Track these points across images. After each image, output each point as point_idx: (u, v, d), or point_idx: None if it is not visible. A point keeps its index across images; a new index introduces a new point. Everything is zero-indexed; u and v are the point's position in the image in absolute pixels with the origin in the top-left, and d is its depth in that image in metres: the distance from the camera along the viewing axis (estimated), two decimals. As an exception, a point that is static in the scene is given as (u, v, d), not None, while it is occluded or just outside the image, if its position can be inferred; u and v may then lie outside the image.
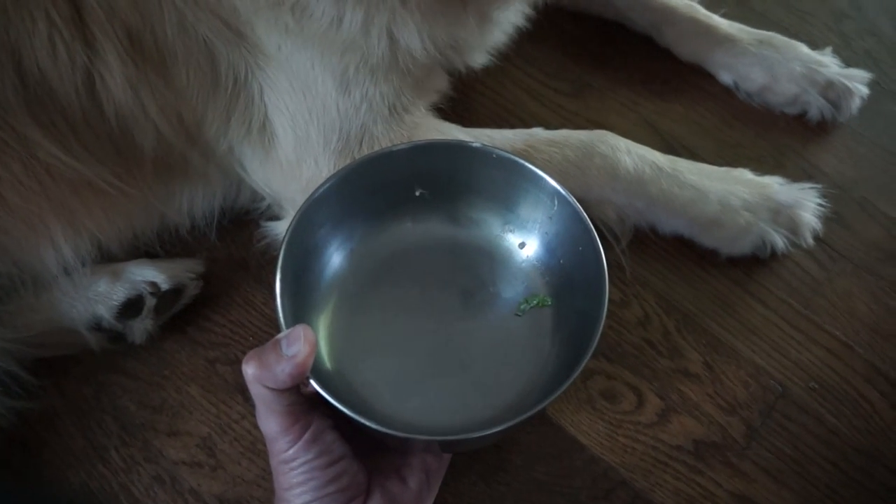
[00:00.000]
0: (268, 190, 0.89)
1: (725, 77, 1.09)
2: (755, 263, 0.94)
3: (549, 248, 0.75)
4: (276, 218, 0.92)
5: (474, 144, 0.75)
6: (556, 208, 0.73)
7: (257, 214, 0.94)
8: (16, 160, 0.77)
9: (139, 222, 0.90)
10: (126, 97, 0.78)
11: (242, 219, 0.96)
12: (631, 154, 0.89)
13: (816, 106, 1.05)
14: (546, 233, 0.75)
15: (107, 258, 0.89)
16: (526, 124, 1.00)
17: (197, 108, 0.82)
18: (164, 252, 0.94)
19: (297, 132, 0.84)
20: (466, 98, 1.04)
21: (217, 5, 0.76)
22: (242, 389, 0.85)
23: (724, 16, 1.11)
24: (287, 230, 0.69)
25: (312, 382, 0.62)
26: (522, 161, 0.73)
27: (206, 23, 0.77)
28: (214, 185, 0.92)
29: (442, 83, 0.93)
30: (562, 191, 0.72)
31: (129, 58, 0.76)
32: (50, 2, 0.73)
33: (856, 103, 1.05)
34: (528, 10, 0.96)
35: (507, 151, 0.74)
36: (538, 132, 0.90)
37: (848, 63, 1.09)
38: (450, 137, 0.87)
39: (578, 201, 0.72)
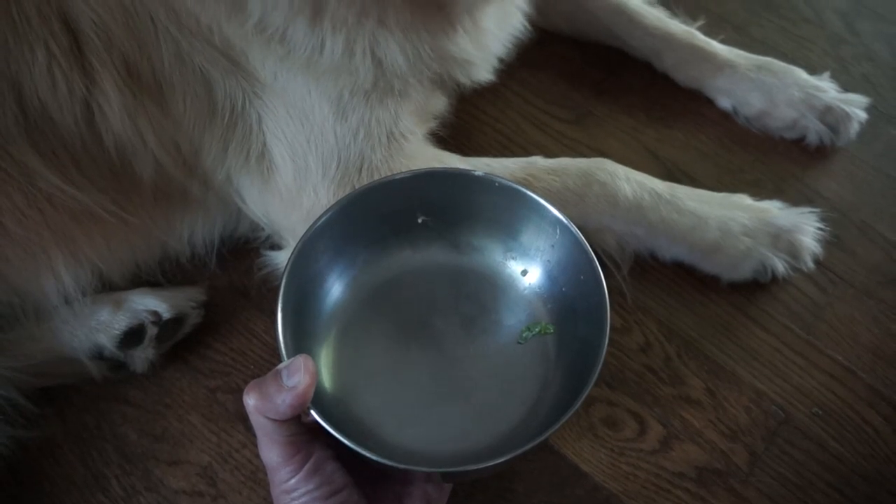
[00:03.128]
0: (266, 220, 0.89)
1: (724, 102, 1.09)
2: (756, 288, 0.94)
3: (552, 276, 0.75)
4: (277, 247, 0.92)
5: (476, 173, 0.75)
6: (557, 236, 0.73)
7: (258, 243, 0.94)
8: (17, 190, 0.78)
9: (140, 251, 0.91)
10: (124, 127, 0.79)
11: (243, 247, 0.96)
12: (630, 181, 0.89)
13: (815, 130, 1.06)
14: (548, 261, 0.75)
15: (108, 287, 0.89)
16: (527, 152, 1.01)
17: (194, 137, 0.83)
18: (165, 280, 0.94)
19: (296, 161, 0.84)
20: (466, 125, 1.04)
21: (211, 35, 0.77)
22: (243, 418, 0.85)
23: (722, 41, 1.12)
24: (288, 261, 0.69)
25: (313, 413, 0.62)
26: (524, 189, 0.74)
27: (202, 52, 0.78)
28: (214, 214, 0.92)
29: (440, 107, 0.93)
30: (563, 219, 0.72)
31: (126, 88, 0.77)
32: (49, 33, 0.74)
33: (854, 128, 1.05)
34: (525, 11, 0.96)
35: (508, 180, 0.75)
36: (537, 160, 0.91)
37: (846, 88, 1.10)
38: (449, 165, 0.87)
39: (578, 229, 0.72)
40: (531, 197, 0.74)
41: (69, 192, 0.80)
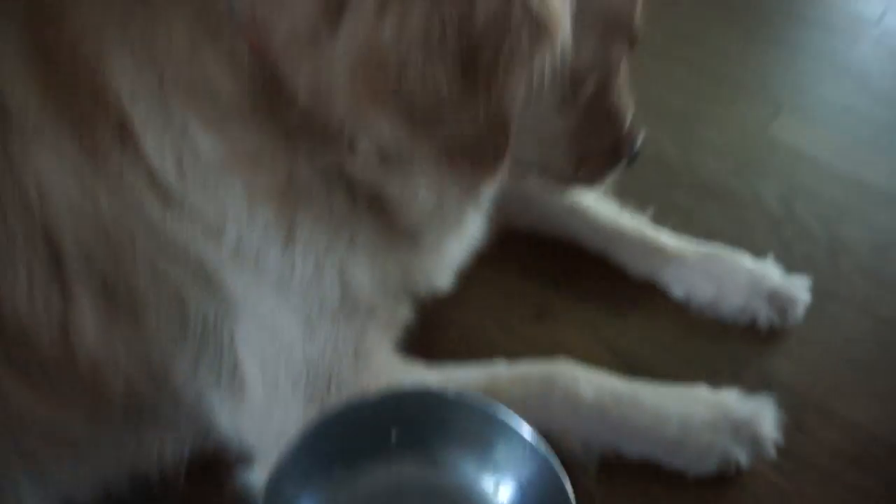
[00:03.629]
0: (238, 438, 0.90)
1: (677, 291, 1.15)
2: (723, 481, 0.95)
3: (524, 492, 0.76)
4: (249, 460, 0.92)
5: (447, 394, 0.78)
6: (528, 455, 0.75)
7: (229, 457, 0.95)
8: None
9: (109, 471, 0.91)
10: (98, 343, 0.81)
11: (214, 462, 0.96)
12: (591, 383, 0.92)
13: (764, 314, 1.11)
14: (520, 478, 0.77)
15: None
16: (490, 350, 1.03)
17: (166, 354, 0.84)
18: (133, 497, 0.93)
19: (267, 378, 0.86)
20: (430, 327, 1.07)
21: (187, 255, 0.81)
22: None
23: (671, 229, 1.19)
24: (264, 487, 0.70)
25: None
26: (494, 409, 0.77)
27: (177, 272, 0.81)
28: (184, 431, 0.93)
29: (405, 317, 0.97)
30: (533, 440, 0.75)
31: (102, 306, 0.80)
32: (32, 251, 0.77)
33: (800, 310, 1.11)
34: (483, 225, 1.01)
35: (479, 398, 0.78)
36: (499, 369, 0.94)
37: (789, 268, 1.16)
38: (417, 379, 0.90)
39: (543, 433, 0.75)
40: (501, 417, 0.76)
41: (40, 407, 0.81)
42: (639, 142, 0.94)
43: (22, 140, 0.75)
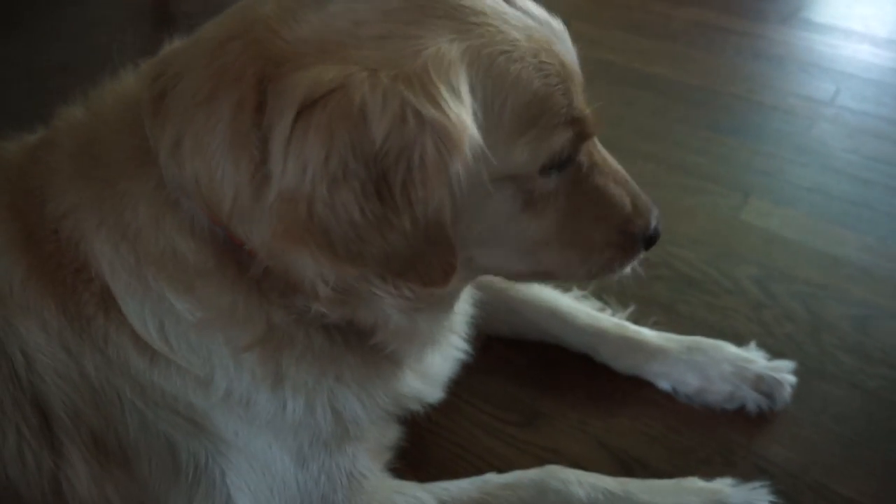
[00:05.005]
0: None
1: (664, 384, 1.17)
2: (724, 572, 0.95)
3: None
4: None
5: None
6: None
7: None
8: None
9: None
10: (91, 495, 0.83)
11: None
12: (583, 485, 0.94)
13: (752, 400, 1.13)
14: None
15: None
16: (482, 460, 1.06)
17: (160, 497, 0.86)
18: None
19: None
20: (422, 440, 1.09)
21: (175, 403, 0.84)
22: None
23: (654, 324, 1.22)
24: None
25: None
26: None
27: (166, 419, 0.84)
28: None
29: (395, 437, 0.99)
30: None
31: (93, 458, 0.82)
32: (21, 417, 0.80)
33: (787, 391, 1.13)
34: (466, 335, 1.03)
35: None
36: (491, 478, 0.96)
37: (772, 350, 1.19)
38: (410, 499, 0.91)
39: None
40: None
41: None
42: (653, 220, 0.89)
43: (5, 314, 0.80)
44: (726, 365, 1.14)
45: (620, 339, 1.19)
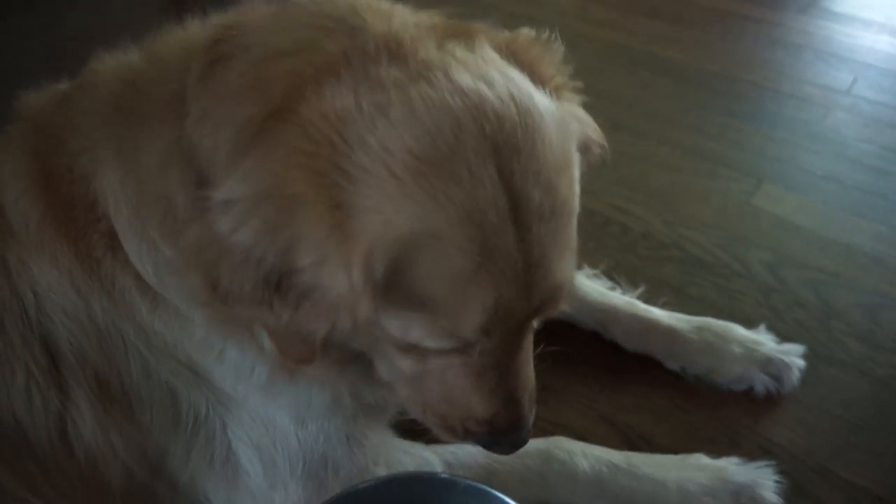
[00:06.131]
0: None
1: (672, 364, 1.17)
2: (727, 548, 0.96)
3: None
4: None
5: (441, 475, 0.80)
6: None
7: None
8: None
9: None
10: (95, 437, 0.83)
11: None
12: (587, 456, 0.94)
13: (760, 382, 1.13)
14: None
15: None
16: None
17: (160, 443, 0.87)
18: None
19: (264, 461, 0.88)
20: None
21: (176, 351, 0.83)
22: None
23: (664, 304, 1.22)
24: None
25: None
26: (488, 489, 0.78)
27: (168, 367, 0.84)
28: None
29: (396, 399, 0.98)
30: None
31: (98, 401, 0.83)
32: (29, 355, 0.81)
33: (795, 375, 1.13)
34: None
35: (472, 478, 0.79)
36: (498, 446, 0.96)
37: (782, 336, 1.18)
38: (415, 457, 0.92)
39: None
40: (495, 495, 0.78)
41: None
42: (524, 431, 0.79)
43: (20, 253, 0.80)
44: (736, 346, 1.15)
45: (631, 317, 1.19)
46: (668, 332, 1.17)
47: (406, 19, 0.72)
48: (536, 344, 1.21)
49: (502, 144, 0.63)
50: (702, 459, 0.99)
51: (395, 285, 0.63)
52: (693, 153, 1.64)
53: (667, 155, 1.64)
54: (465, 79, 0.65)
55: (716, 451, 1.02)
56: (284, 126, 0.64)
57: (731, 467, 0.98)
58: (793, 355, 1.14)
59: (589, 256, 1.32)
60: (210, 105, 0.70)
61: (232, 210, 0.62)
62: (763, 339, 1.16)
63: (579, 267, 1.26)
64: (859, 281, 1.34)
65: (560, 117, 0.69)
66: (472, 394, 0.74)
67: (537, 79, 0.71)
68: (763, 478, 0.98)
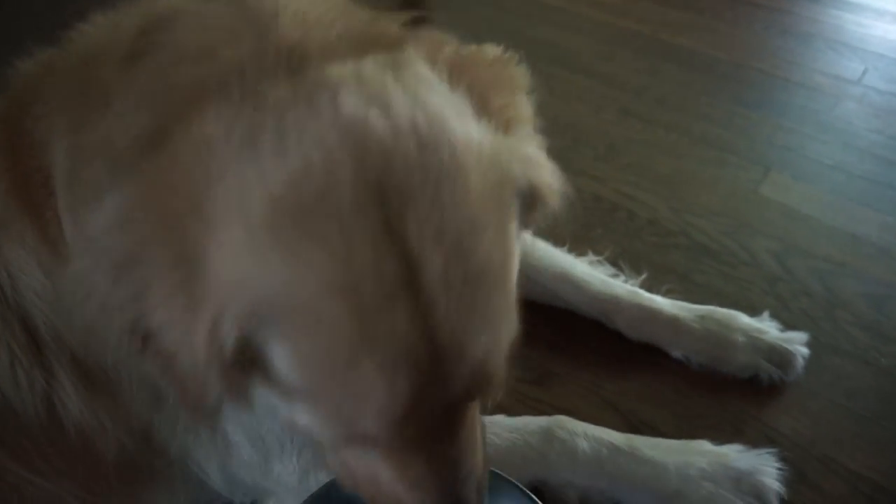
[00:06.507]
0: (232, 492, 0.91)
1: (676, 353, 1.17)
2: (728, 533, 0.96)
3: None
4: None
5: None
6: None
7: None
8: None
9: None
10: (83, 415, 0.82)
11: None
12: (588, 437, 0.94)
13: (764, 370, 1.13)
14: None
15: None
16: (491, 413, 1.06)
17: (144, 419, 0.84)
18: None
19: (251, 436, 0.86)
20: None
21: None
22: None
23: (667, 292, 1.21)
24: None
25: None
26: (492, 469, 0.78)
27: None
28: (178, 488, 0.93)
29: None
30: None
31: (80, 382, 0.81)
32: (11, 335, 0.78)
33: (799, 363, 1.13)
34: None
35: None
36: (499, 420, 0.96)
37: (787, 324, 1.18)
38: None
39: (541, 486, 0.76)
40: (496, 473, 0.78)
41: (35, 481, 0.82)
42: None
43: None
44: (739, 335, 1.14)
45: (634, 307, 1.18)
46: (672, 322, 1.17)
47: (336, 24, 0.61)
48: (535, 329, 1.21)
49: (391, 192, 0.49)
50: (704, 445, 0.99)
51: (260, 363, 0.54)
52: (701, 140, 1.63)
53: (675, 142, 1.63)
54: (350, 104, 0.52)
55: (719, 438, 1.01)
56: (157, 153, 0.54)
57: (732, 454, 0.98)
58: (797, 343, 1.14)
59: (595, 242, 1.32)
60: (110, 114, 0.63)
61: (90, 248, 0.56)
62: (767, 328, 1.16)
63: (582, 253, 1.26)
64: (865, 271, 1.34)
65: (491, 157, 0.55)
66: (397, 484, 0.62)
67: (482, 108, 0.57)
68: (765, 465, 0.98)
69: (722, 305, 1.19)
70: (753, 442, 1.02)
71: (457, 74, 0.58)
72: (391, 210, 0.49)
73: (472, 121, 0.56)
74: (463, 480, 0.63)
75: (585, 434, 0.95)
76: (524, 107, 0.63)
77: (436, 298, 0.50)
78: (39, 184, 0.73)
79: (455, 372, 0.53)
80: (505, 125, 0.58)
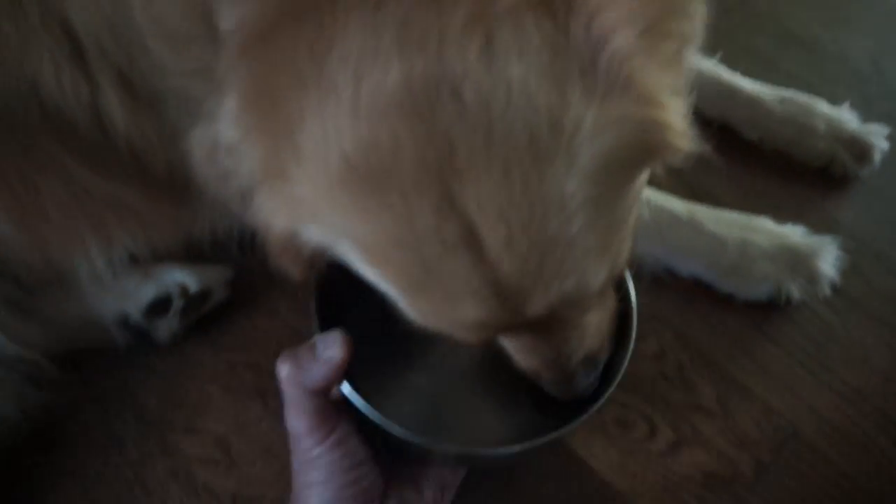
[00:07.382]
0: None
1: (751, 134, 1.12)
2: (772, 308, 0.95)
3: None
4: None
5: None
6: None
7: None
8: (55, 179, 0.79)
9: (167, 237, 0.92)
10: (129, 129, 0.79)
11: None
12: (650, 204, 0.92)
13: (839, 160, 1.08)
14: None
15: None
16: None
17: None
18: (192, 259, 0.95)
19: None
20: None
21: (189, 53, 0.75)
22: (262, 394, 0.87)
23: (745, 72, 1.14)
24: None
25: (344, 386, 0.62)
26: None
27: (183, 68, 0.76)
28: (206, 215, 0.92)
29: None
30: None
31: (126, 95, 0.77)
32: (54, 41, 0.74)
33: (877, 157, 1.08)
34: None
35: None
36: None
37: (867, 121, 1.12)
38: None
39: None
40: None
41: (100, 183, 0.82)
42: (573, 387, 0.67)
43: None
44: (819, 121, 1.09)
45: (714, 82, 1.12)
46: (750, 101, 1.11)
47: None
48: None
49: (451, 172, 0.47)
50: (767, 223, 0.97)
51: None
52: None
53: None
54: (455, 63, 0.45)
55: (780, 218, 0.99)
56: (269, 46, 0.52)
57: (794, 236, 0.96)
58: (877, 136, 1.09)
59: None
60: None
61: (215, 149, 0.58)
62: (847, 117, 1.10)
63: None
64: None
65: (592, 130, 0.48)
66: (513, 350, 0.66)
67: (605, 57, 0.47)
68: (824, 250, 0.96)
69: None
70: (813, 227, 0.99)
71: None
72: (451, 186, 0.47)
73: (576, 89, 0.47)
74: (566, 359, 0.64)
75: (647, 200, 0.92)
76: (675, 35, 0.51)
77: (501, 260, 0.49)
78: None
79: (528, 310, 0.53)
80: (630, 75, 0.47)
